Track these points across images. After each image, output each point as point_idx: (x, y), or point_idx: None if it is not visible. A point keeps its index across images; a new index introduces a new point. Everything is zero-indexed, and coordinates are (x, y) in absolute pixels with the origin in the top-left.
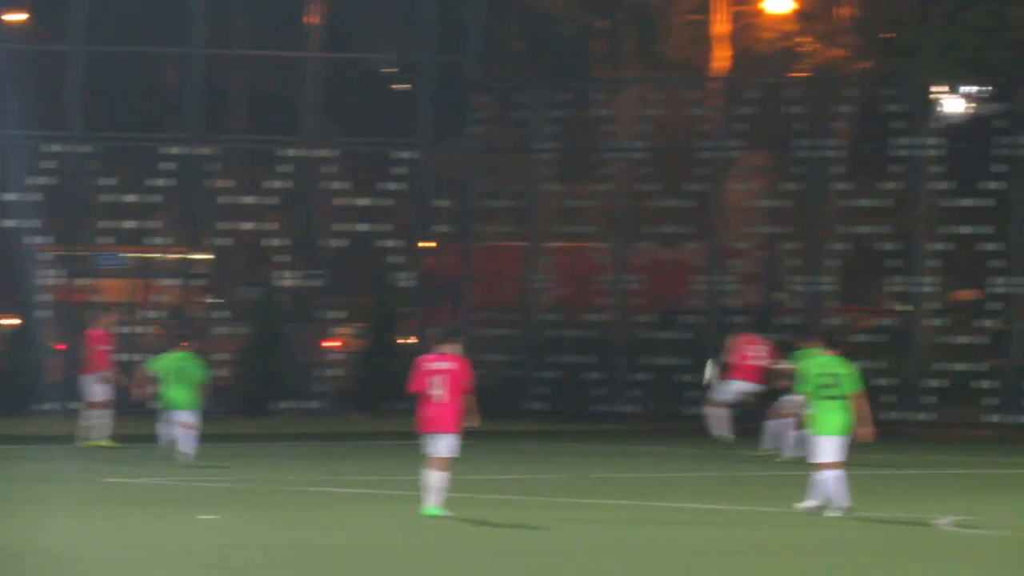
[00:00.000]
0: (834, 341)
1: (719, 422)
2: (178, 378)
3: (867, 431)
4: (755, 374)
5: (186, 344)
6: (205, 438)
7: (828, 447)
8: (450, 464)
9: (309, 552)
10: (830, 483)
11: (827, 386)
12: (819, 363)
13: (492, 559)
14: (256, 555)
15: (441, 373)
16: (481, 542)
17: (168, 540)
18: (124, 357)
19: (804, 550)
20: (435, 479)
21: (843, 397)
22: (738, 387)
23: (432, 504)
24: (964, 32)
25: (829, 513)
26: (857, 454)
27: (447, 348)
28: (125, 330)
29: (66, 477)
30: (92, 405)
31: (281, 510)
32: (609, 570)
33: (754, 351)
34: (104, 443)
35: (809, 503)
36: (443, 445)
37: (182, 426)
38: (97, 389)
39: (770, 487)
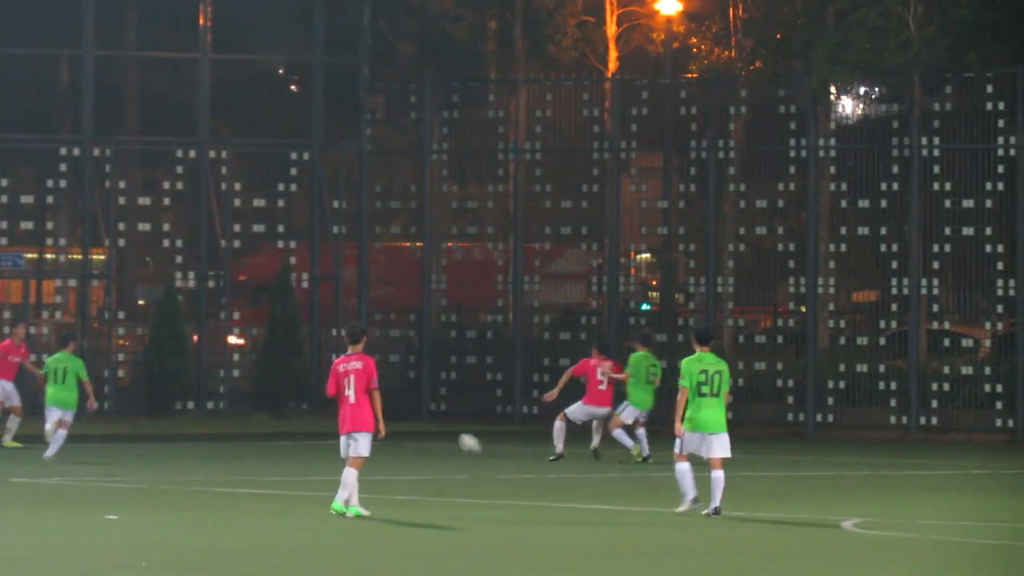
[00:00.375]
0: (704, 338)
1: (558, 433)
2: (62, 378)
3: None
4: (604, 398)
5: (69, 346)
6: (109, 438)
7: (704, 443)
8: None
9: (217, 553)
10: (684, 475)
11: (704, 383)
12: (697, 360)
13: (400, 560)
14: (165, 556)
15: (352, 373)
16: (388, 542)
17: (76, 541)
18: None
19: (709, 552)
20: (353, 477)
21: (719, 394)
22: (589, 411)
23: (342, 501)
24: (856, 33)
25: (680, 508)
26: (760, 456)
27: (354, 348)
28: (31, 331)
29: None
30: (13, 410)
31: (188, 511)
32: (515, 571)
33: (600, 373)
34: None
35: (713, 505)
36: (361, 444)
37: (55, 425)
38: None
39: (673, 488)
